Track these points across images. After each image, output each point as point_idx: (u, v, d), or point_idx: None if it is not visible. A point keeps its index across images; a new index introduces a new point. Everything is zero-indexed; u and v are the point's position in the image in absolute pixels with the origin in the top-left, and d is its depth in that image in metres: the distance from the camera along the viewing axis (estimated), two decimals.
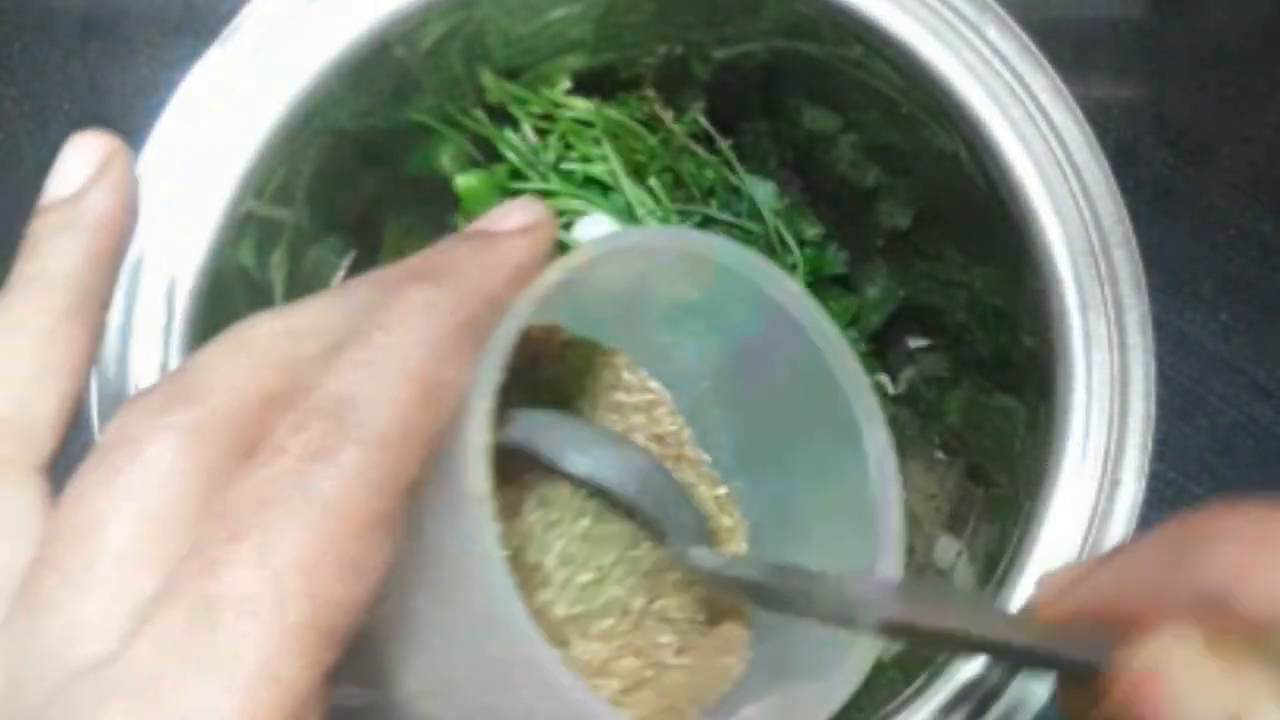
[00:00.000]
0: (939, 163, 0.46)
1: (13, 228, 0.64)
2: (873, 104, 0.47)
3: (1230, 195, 0.67)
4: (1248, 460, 0.64)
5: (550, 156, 0.52)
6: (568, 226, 0.53)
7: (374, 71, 0.44)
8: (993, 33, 0.43)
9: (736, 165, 0.54)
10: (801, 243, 0.54)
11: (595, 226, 0.53)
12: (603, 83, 0.53)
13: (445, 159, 0.52)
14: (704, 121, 0.53)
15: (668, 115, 0.53)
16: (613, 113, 0.52)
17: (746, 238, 0.54)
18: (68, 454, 0.61)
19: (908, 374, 0.56)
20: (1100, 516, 0.41)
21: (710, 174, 0.54)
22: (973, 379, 0.52)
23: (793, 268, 0.54)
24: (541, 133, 0.53)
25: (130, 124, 0.63)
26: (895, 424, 0.56)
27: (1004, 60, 0.42)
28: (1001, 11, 0.43)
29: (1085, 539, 0.41)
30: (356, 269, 0.55)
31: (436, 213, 0.56)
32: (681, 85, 0.53)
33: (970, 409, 0.52)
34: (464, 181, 0.52)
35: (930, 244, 0.52)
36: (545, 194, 0.53)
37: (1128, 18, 0.69)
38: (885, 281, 0.56)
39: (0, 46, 0.64)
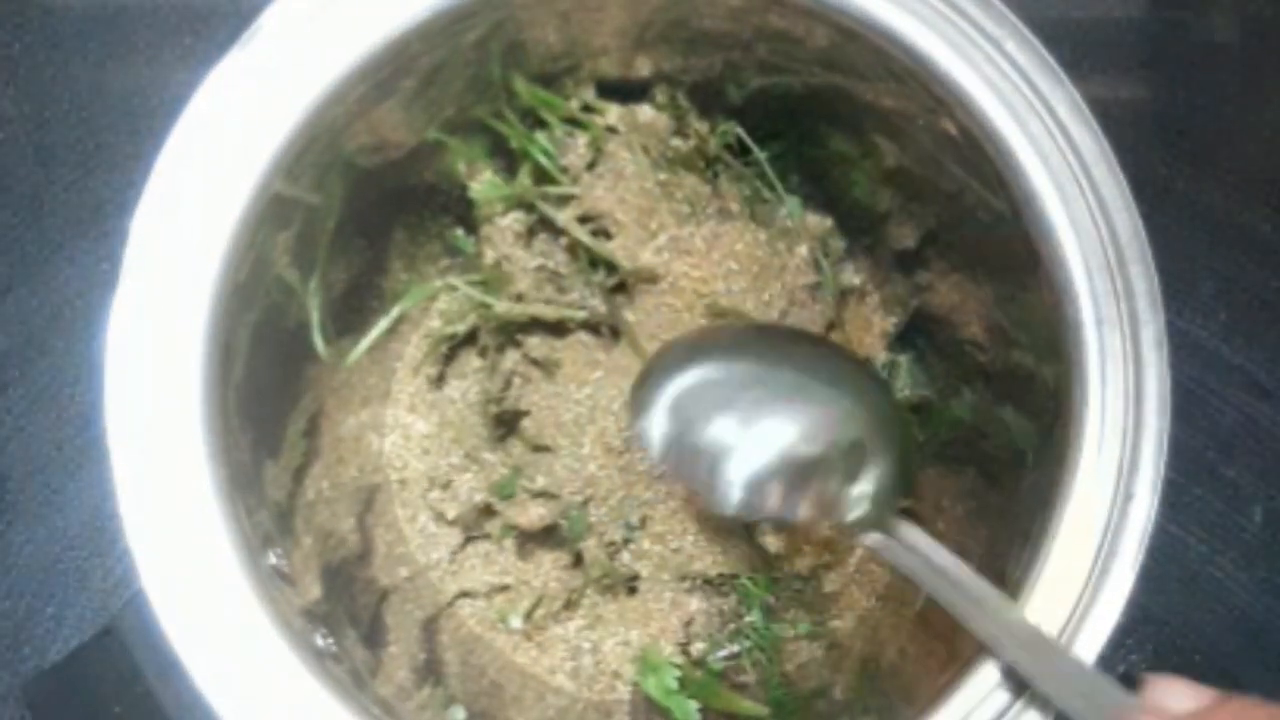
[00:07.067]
0: (956, 182, 0.46)
1: (14, 227, 0.64)
2: (895, 130, 0.47)
3: (1230, 195, 0.67)
4: (1248, 460, 0.64)
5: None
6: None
7: (401, 71, 0.44)
8: (1011, 46, 0.42)
9: (773, 178, 0.54)
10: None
11: None
12: (631, 89, 0.53)
13: (460, 166, 0.52)
14: (741, 132, 0.53)
15: (702, 126, 0.53)
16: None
17: None
18: (69, 452, 0.60)
19: (920, 384, 0.57)
20: (1114, 531, 0.41)
21: (745, 187, 0.54)
22: (986, 390, 0.52)
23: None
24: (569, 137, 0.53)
25: (129, 124, 0.64)
26: (907, 433, 0.56)
27: (1023, 74, 0.42)
28: (1021, 26, 0.43)
29: (1098, 553, 0.41)
30: (368, 272, 0.55)
31: (446, 219, 0.56)
32: (712, 106, 0.53)
33: (983, 420, 0.52)
34: (478, 189, 0.52)
35: (943, 259, 0.52)
36: (573, 198, 0.53)
37: (1128, 18, 0.69)
38: (899, 293, 0.56)
39: (0, 46, 0.64)
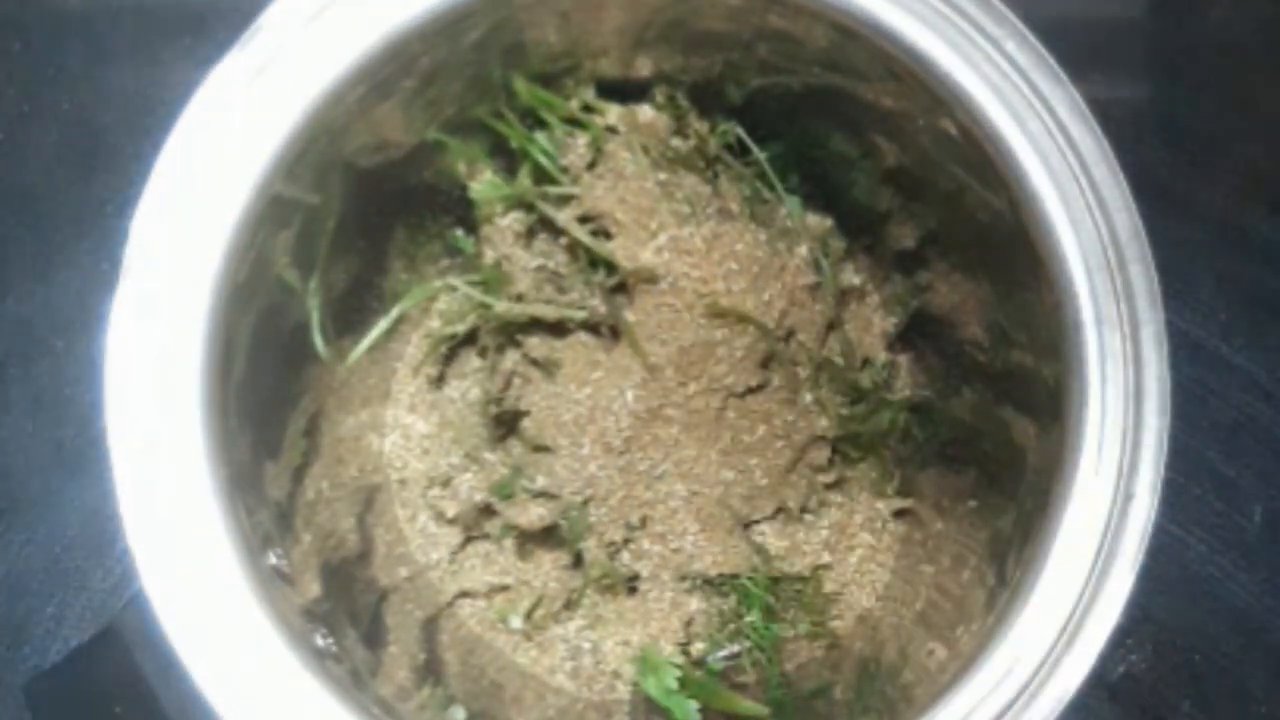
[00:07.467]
0: (956, 182, 0.46)
1: (14, 227, 0.64)
2: (895, 130, 0.47)
3: (1230, 195, 0.67)
4: (1248, 460, 0.64)
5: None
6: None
7: (401, 71, 0.44)
8: (1012, 46, 0.42)
9: (773, 178, 0.54)
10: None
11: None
12: (630, 88, 0.53)
13: (460, 166, 0.52)
14: (741, 132, 0.53)
15: (702, 126, 0.53)
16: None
17: None
18: (69, 452, 0.61)
19: (920, 384, 0.57)
20: (1114, 531, 0.41)
21: (745, 187, 0.54)
22: (985, 390, 0.52)
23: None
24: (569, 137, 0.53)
25: (129, 124, 0.64)
26: (907, 433, 0.56)
27: (1023, 74, 0.42)
28: (1021, 26, 0.43)
29: (1098, 552, 0.41)
30: (368, 272, 0.55)
31: (446, 219, 0.56)
32: (712, 106, 0.53)
33: (983, 420, 0.52)
34: (478, 189, 0.52)
35: (943, 259, 0.52)
36: (573, 198, 0.53)
37: (1128, 18, 0.69)
38: (899, 293, 0.56)
39: (0, 46, 0.64)
